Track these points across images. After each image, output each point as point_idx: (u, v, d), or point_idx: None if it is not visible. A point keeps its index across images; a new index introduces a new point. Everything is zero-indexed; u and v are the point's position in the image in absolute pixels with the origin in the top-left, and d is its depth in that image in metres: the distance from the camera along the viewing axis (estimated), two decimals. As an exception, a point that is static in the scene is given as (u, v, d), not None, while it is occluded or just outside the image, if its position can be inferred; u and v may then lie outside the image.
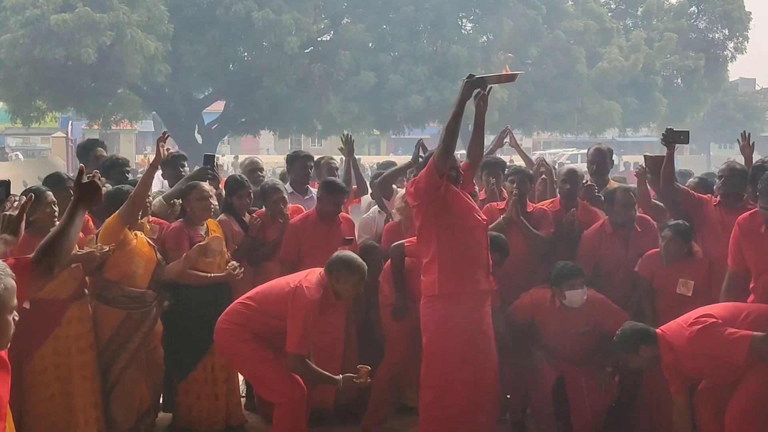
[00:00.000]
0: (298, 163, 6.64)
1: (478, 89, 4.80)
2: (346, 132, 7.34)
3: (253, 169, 6.79)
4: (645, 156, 5.98)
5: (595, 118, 26.16)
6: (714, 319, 4.55)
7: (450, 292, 4.84)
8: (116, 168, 6.32)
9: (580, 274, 5.39)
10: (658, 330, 4.73)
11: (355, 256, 4.88)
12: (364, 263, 4.86)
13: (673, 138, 5.52)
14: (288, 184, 6.66)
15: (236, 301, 4.99)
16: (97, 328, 5.01)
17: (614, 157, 6.88)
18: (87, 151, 6.53)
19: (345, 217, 5.94)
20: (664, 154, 5.69)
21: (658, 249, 5.50)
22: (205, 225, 5.45)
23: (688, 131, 5.65)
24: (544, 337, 5.57)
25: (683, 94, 28.06)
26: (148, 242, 5.12)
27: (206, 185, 5.46)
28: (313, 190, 6.61)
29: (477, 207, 5.03)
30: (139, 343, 5.09)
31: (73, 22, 19.07)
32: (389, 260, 5.61)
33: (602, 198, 6.07)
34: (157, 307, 5.19)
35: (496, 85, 4.92)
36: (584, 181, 6.15)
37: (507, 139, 7.34)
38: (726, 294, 4.93)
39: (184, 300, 5.26)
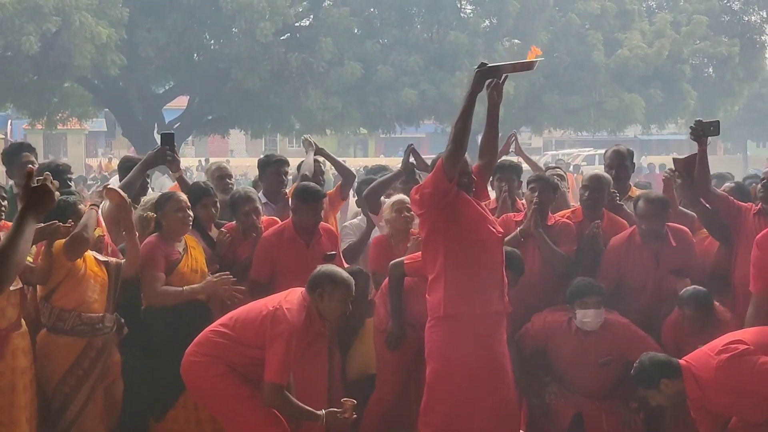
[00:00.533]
0: (270, 169, 6.67)
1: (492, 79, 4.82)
2: (303, 137, 7.40)
3: (221, 175, 6.83)
4: (674, 159, 6.04)
5: (614, 114, 26.24)
6: (745, 346, 4.54)
7: (457, 313, 4.86)
8: (56, 176, 6.28)
9: (595, 292, 5.40)
10: (681, 361, 4.74)
11: (339, 269, 4.92)
12: (351, 276, 4.89)
13: (703, 130, 5.56)
14: (260, 192, 6.68)
15: (207, 329, 5.00)
16: (50, 363, 5.03)
17: (640, 158, 6.95)
18: (12, 156, 6.47)
19: (326, 229, 5.99)
20: (695, 153, 5.75)
21: (679, 311, 5.48)
22: (183, 241, 5.47)
23: (718, 121, 5.75)
24: (559, 367, 5.58)
25: (715, 86, 28.19)
26: (96, 258, 5.15)
27: (183, 195, 5.51)
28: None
29: (492, 218, 5.05)
30: (98, 377, 5.10)
31: (12, 6, 19.03)
32: (386, 279, 5.64)
33: (628, 206, 6.13)
34: (114, 333, 5.23)
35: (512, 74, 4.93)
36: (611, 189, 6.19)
37: (512, 147, 7.43)
38: (753, 320, 4.95)
39: (156, 324, 5.27)
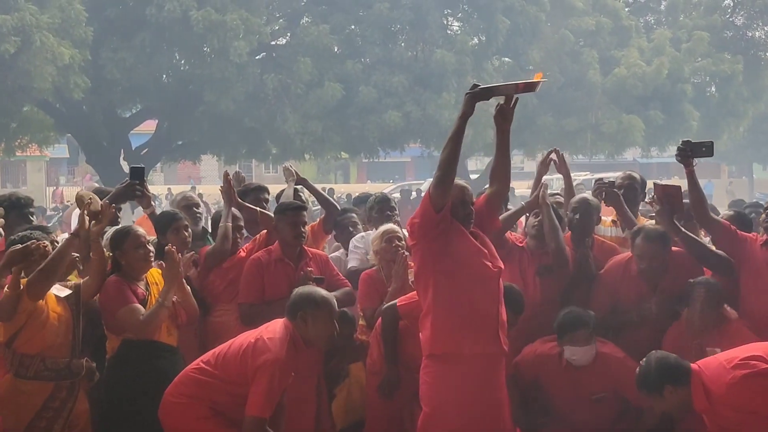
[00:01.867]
0: (249, 198, 6.73)
1: (498, 102, 4.86)
2: (284, 165, 7.50)
3: (188, 205, 6.91)
4: (655, 184, 6.07)
5: (612, 136, 26.38)
6: (765, 365, 4.52)
7: (444, 352, 4.84)
8: (17, 209, 6.30)
9: (584, 325, 5.41)
10: (693, 366, 4.70)
11: (316, 288, 4.99)
12: (332, 296, 4.96)
13: (692, 151, 5.55)
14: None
15: (188, 367, 5.04)
16: (16, 409, 5.03)
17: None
18: None
19: (315, 253, 6.07)
20: (677, 185, 5.85)
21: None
22: (144, 279, 5.49)
23: (712, 142, 5.65)
24: (553, 401, 5.63)
25: (718, 106, 28.44)
26: (56, 296, 5.17)
27: (141, 229, 5.51)
28: None
29: (490, 252, 4.98)
30: (62, 426, 5.13)
31: (-32, 26, 19.05)
32: (380, 319, 5.70)
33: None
34: (82, 380, 5.24)
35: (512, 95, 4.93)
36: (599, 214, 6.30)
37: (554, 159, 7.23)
38: None
39: (127, 367, 5.27)
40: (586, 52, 26.17)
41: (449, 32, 25.93)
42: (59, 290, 5.22)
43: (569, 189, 7.00)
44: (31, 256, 4.89)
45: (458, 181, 5.14)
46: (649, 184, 7.06)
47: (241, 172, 7.51)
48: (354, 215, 7.10)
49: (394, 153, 28.00)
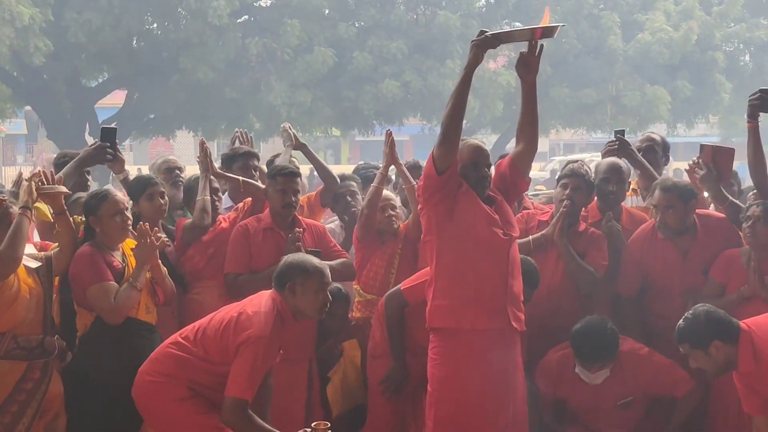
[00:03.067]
0: (237, 164, 6.72)
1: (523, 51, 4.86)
2: (283, 125, 7.49)
3: (170, 168, 6.93)
4: (702, 145, 6.10)
5: (634, 110, 26.41)
6: None
7: (444, 325, 4.94)
8: None
9: (600, 359, 5.46)
10: (742, 324, 4.78)
11: (306, 255, 5.00)
12: (324, 264, 4.96)
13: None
14: (226, 194, 6.76)
15: (166, 341, 5.06)
16: None
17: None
18: None
19: (310, 223, 6.09)
20: (731, 147, 5.85)
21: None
22: (120, 249, 5.47)
23: None
24: (576, 412, 5.66)
25: (753, 76, 28.40)
26: (27, 267, 5.16)
27: (119, 194, 5.51)
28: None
29: (504, 218, 5.02)
30: (36, 410, 5.13)
31: None
32: (383, 306, 5.72)
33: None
34: (55, 360, 5.24)
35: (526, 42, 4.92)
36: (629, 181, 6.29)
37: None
38: None
39: (101, 346, 5.26)
40: (606, 16, 26.17)
41: (454, -8, 25.87)
42: (29, 261, 5.23)
43: (645, 175, 6.76)
44: None
45: (472, 140, 5.16)
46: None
47: (243, 130, 7.50)
48: (353, 184, 7.08)
49: (392, 128, 27.93)
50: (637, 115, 26.72)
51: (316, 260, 5.01)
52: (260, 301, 4.92)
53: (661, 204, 5.75)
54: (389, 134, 6.22)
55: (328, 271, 5.00)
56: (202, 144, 6.37)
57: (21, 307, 5.09)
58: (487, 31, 4.81)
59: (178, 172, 6.92)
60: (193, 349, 4.89)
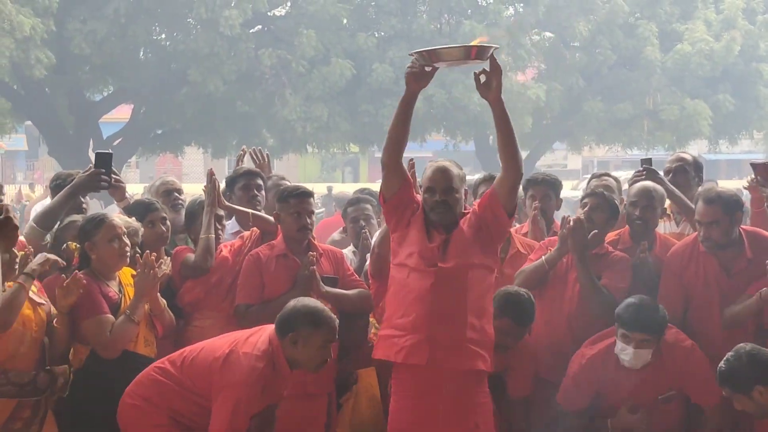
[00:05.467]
0: (240, 185, 6.72)
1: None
2: (244, 147, 7.56)
3: (168, 190, 6.91)
4: (752, 163, 6.11)
5: (673, 125, 26.35)
6: None
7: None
8: None
9: (645, 329, 5.41)
10: None
11: (319, 304, 4.96)
12: (334, 316, 4.94)
13: None
14: (233, 219, 6.76)
15: (152, 364, 5.07)
16: None
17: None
18: None
19: (327, 249, 6.08)
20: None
21: None
22: (116, 277, 5.45)
23: None
24: (614, 418, 5.61)
25: (801, 90, 28.38)
26: (31, 298, 5.15)
27: (117, 219, 5.48)
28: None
29: (453, 248, 5.11)
30: None
31: None
32: None
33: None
34: (47, 397, 5.20)
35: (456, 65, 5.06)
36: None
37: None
38: None
39: (97, 382, 5.25)
40: (642, 25, 26.09)
41: (480, 1, 25.91)
42: (34, 295, 5.22)
43: (681, 206, 6.76)
44: None
45: (437, 162, 5.30)
46: (732, 185, 7.05)
47: (258, 148, 7.47)
48: (369, 207, 7.05)
49: (413, 146, 27.91)
50: (676, 130, 26.66)
51: (327, 312, 4.97)
52: (257, 339, 4.91)
53: (704, 219, 5.73)
54: (211, 174, 6.21)
55: (336, 325, 4.98)
56: (210, 175, 6.19)
57: (13, 339, 5.05)
58: (419, 52, 4.92)
59: (177, 194, 6.88)
60: (178, 377, 4.91)
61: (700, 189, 6.10)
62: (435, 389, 5.05)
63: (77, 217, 5.92)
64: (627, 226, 6.27)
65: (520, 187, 6.09)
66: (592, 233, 5.80)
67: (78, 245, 5.44)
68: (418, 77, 4.98)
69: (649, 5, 26.53)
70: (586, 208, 5.97)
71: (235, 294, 5.96)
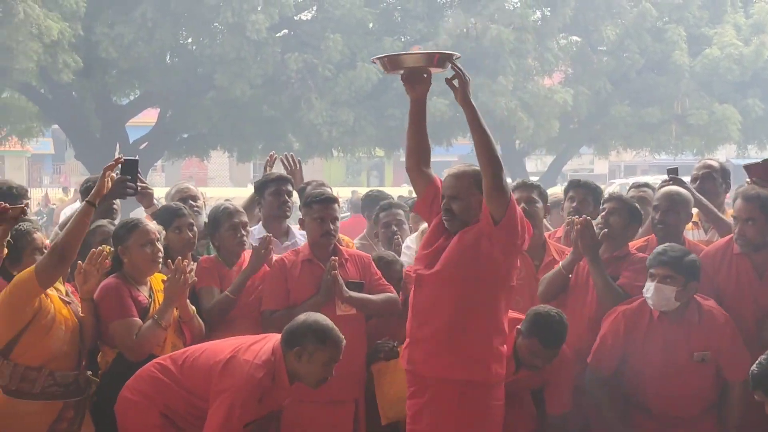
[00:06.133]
0: (270, 190, 6.73)
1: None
2: (273, 153, 7.58)
3: (185, 197, 6.86)
4: (745, 166, 6.14)
5: (702, 130, 26.28)
6: None
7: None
8: (8, 200, 6.40)
9: (666, 264, 5.43)
10: None
11: (327, 321, 4.97)
12: (342, 336, 4.94)
13: None
14: (260, 224, 6.80)
15: (153, 361, 5.10)
16: None
17: (735, 192, 7.06)
18: None
19: (353, 253, 6.09)
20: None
21: None
22: (148, 282, 5.51)
23: None
24: (642, 377, 5.60)
25: (830, 94, 28.23)
26: (62, 298, 5.21)
27: (151, 224, 5.52)
28: (298, 233, 6.76)
29: (427, 253, 5.14)
30: None
31: (-64, -7, 19.32)
32: None
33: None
34: (88, 398, 5.27)
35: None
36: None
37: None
38: None
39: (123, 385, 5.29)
40: (671, 30, 26.07)
41: (507, 5, 25.88)
42: (62, 294, 5.30)
43: (711, 216, 6.79)
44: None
45: (453, 168, 5.31)
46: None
47: (290, 154, 7.53)
48: (400, 212, 7.09)
49: (439, 150, 27.95)
50: (705, 135, 26.62)
51: (335, 331, 4.93)
52: (260, 348, 4.91)
53: (741, 215, 5.73)
54: (269, 241, 6.08)
55: (343, 345, 4.96)
56: (269, 242, 6.04)
57: (56, 339, 5.10)
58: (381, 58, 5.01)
59: (192, 201, 6.80)
60: (177, 375, 4.93)
61: (739, 188, 6.08)
62: (419, 394, 5.08)
63: (103, 222, 5.98)
64: (652, 231, 6.31)
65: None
66: (601, 233, 5.82)
67: (111, 249, 5.49)
68: (412, 84, 5.05)
69: (677, 9, 26.47)
70: (604, 213, 6.00)
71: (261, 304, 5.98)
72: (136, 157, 6.35)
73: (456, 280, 4.98)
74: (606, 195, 6.33)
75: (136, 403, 4.94)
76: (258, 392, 4.80)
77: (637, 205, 6.14)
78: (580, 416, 5.75)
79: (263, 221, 6.79)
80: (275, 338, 4.97)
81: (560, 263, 5.90)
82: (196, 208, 6.82)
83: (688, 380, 5.51)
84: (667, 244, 5.63)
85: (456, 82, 4.96)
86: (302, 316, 4.99)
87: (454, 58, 5.00)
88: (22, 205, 5.02)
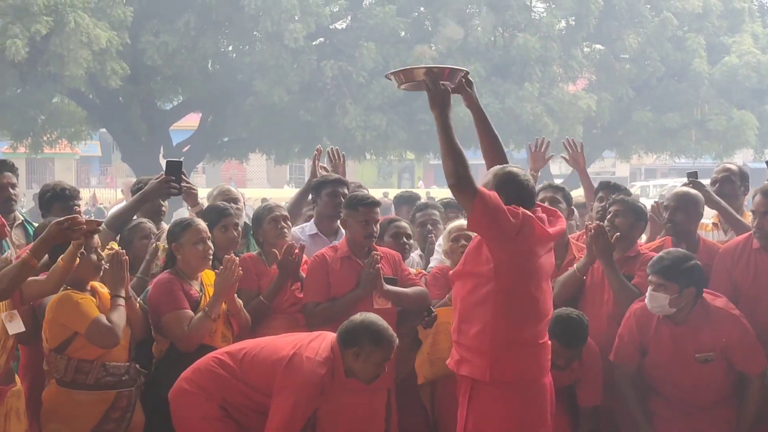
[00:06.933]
0: (327, 191, 6.75)
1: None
2: (331, 147, 7.57)
3: (226, 199, 6.86)
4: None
5: (720, 135, 26.17)
6: None
7: None
8: (61, 201, 6.47)
9: (657, 271, 5.40)
10: None
11: (383, 323, 5.00)
12: (395, 335, 4.98)
13: None
14: (311, 222, 6.84)
15: (211, 354, 5.13)
16: (70, 424, 5.10)
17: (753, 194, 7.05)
18: None
19: (385, 251, 6.11)
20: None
21: None
22: (199, 278, 5.58)
23: None
24: (653, 370, 5.60)
25: None
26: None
27: (203, 224, 5.59)
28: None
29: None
30: None
31: (-5, 4, 19.45)
32: None
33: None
34: (139, 387, 5.32)
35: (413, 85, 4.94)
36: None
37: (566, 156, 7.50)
38: None
39: (179, 373, 5.31)
40: (691, 38, 25.97)
41: (533, 14, 25.86)
42: None
43: (589, 188, 7.34)
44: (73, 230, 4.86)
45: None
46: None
47: (336, 148, 7.50)
48: (436, 213, 7.11)
49: (467, 153, 27.92)
50: (723, 140, 26.51)
51: (389, 332, 4.98)
52: (319, 345, 4.95)
53: (759, 208, 5.73)
54: (294, 248, 6.03)
55: (396, 344, 5.02)
56: (300, 249, 6.04)
57: None
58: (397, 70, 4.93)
59: (233, 203, 6.81)
60: (236, 370, 4.96)
61: (759, 189, 6.08)
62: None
63: (143, 219, 6.06)
64: (666, 232, 6.33)
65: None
66: (614, 236, 5.82)
67: (166, 246, 5.59)
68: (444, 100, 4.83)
69: (697, 19, 26.35)
70: (609, 215, 6.02)
71: (301, 297, 6.01)
72: (181, 159, 6.40)
73: (466, 276, 4.92)
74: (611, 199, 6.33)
75: (193, 394, 4.98)
76: (320, 387, 4.86)
77: (641, 205, 6.17)
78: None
79: (316, 218, 6.82)
80: (330, 336, 5.02)
81: (575, 265, 5.93)
82: (237, 210, 6.87)
83: (697, 375, 5.51)
84: (667, 251, 5.61)
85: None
86: (358, 317, 5.03)
87: (462, 74, 4.97)
88: (99, 221, 5.07)
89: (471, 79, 5.11)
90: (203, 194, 7.49)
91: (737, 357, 5.38)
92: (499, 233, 4.66)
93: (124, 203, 6.63)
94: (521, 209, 4.69)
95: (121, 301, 5.11)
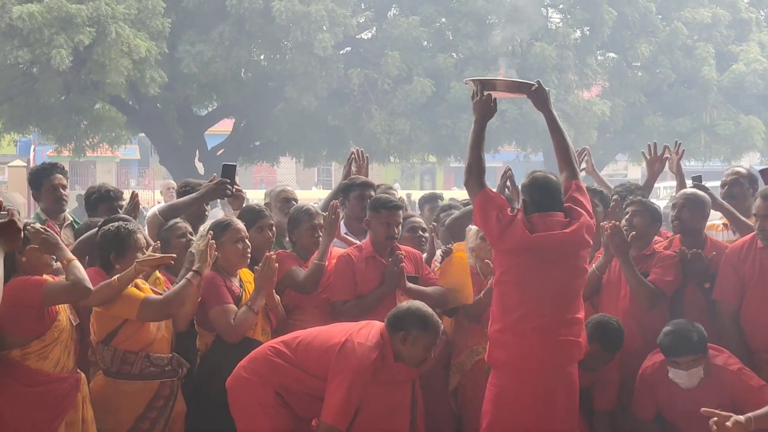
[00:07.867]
0: (355, 193, 6.77)
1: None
2: (356, 148, 7.59)
3: (287, 198, 6.96)
4: (761, 171, 6.12)
5: (728, 139, 26.04)
6: None
7: None
8: (106, 202, 6.57)
9: (690, 351, 5.37)
10: None
11: (429, 310, 5.04)
12: (440, 321, 5.01)
13: None
14: (342, 221, 6.85)
15: (266, 343, 5.20)
16: (116, 412, 5.17)
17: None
18: (41, 178, 6.64)
19: (408, 250, 6.14)
20: None
21: None
22: (238, 275, 5.63)
23: None
24: (670, 421, 5.59)
25: None
26: (154, 289, 5.32)
27: (241, 224, 5.64)
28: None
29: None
30: (163, 427, 5.29)
31: (41, 15, 19.47)
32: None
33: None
34: (180, 378, 5.41)
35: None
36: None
37: (584, 164, 7.49)
38: None
39: (224, 364, 5.38)
40: (700, 47, 25.84)
41: (550, 24, 25.83)
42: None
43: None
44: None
45: None
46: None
47: (360, 149, 7.51)
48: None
49: (486, 156, 27.86)
50: (731, 144, 26.41)
51: (435, 318, 5.05)
52: (369, 332, 5.01)
53: (760, 212, 5.75)
54: (335, 207, 6.14)
55: (441, 330, 5.12)
56: (335, 208, 6.06)
57: (153, 326, 5.25)
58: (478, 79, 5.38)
59: (294, 203, 6.89)
60: (292, 358, 5.02)
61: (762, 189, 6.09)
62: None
63: (177, 219, 6.12)
64: (673, 231, 6.35)
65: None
66: (630, 235, 5.82)
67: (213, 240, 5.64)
68: (489, 110, 5.43)
69: (706, 28, 26.24)
70: (627, 215, 6.04)
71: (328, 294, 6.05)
72: (235, 163, 6.47)
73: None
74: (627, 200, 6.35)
75: (251, 381, 5.04)
76: (372, 371, 4.92)
77: (657, 207, 6.19)
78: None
79: (345, 219, 6.85)
80: (378, 324, 5.10)
81: (593, 265, 5.93)
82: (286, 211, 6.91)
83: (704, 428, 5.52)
84: (670, 328, 5.52)
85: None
86: (405, 304, 5.15)
87: (532, 88, 5.48)
88: (173, 255, 5.25)
89: (545, 87, 5.52)
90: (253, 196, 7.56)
91: (747, 406, 5.29)
92: (487, 231, 5.19)
93: (161, 203, 6.67)
94: (520, 214, 5.06)
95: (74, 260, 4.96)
